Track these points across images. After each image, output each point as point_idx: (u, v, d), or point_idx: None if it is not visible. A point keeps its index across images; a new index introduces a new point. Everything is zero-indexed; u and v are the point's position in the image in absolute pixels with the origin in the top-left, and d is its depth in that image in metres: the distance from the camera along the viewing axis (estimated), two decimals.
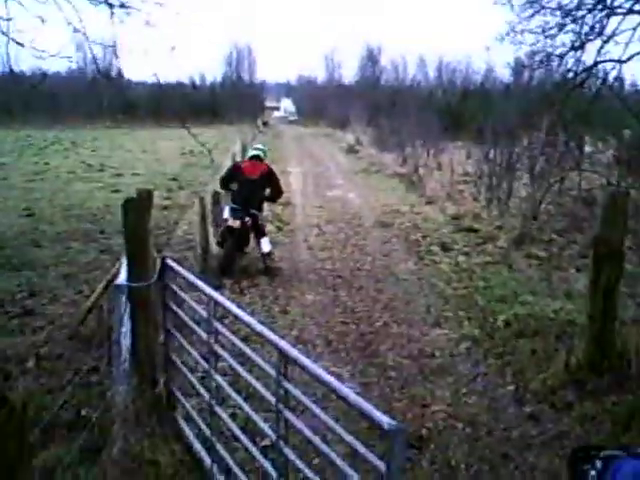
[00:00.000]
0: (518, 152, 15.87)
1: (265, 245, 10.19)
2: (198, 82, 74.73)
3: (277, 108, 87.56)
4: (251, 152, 11.10)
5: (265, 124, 61.97)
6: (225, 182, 10.58)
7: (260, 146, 11.48)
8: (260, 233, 10.28)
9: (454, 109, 39.22)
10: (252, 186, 10.13)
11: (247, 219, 9.97)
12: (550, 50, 12.22)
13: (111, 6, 7.81)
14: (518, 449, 4.92)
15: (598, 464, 2.39)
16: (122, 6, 7.86)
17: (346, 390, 2.72)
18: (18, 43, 6.94)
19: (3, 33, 6.81)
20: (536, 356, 6.56)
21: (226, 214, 10.26)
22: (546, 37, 12.01)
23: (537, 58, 12.91)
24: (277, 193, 10.60)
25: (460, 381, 6.18)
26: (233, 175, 10.47)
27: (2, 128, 49.79)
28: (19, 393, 1.89)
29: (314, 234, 13.20)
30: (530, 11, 12.00)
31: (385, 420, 2.42)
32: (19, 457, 2.05)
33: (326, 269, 10.42)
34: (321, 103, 69.99)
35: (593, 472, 2.41)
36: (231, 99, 69.75)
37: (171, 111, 51.14)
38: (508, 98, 23.67)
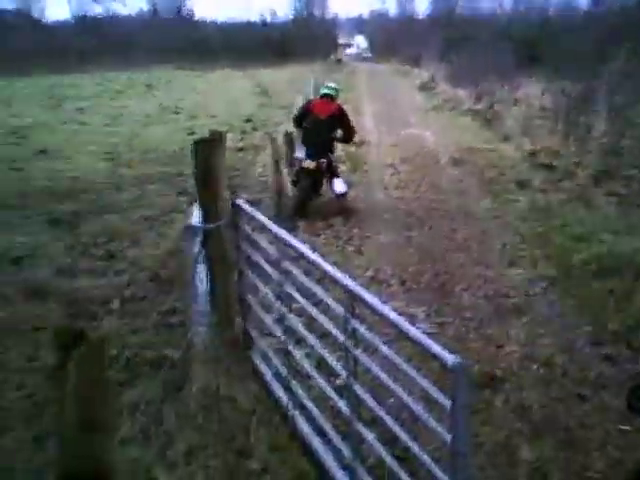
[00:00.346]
0: (597, 84, 15.37)
1: (339, 186, 10.15)
2: (269, 20, 74.22)
3: (350, 45, 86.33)
4: (322, 90, 10.91)
5: (338, 61, 61.31)
6: (298, 120, 10.57)
7: (332, 84, 11.30)
8: (334, 174, 10.28)
9: (531, 41, 38.01)
10: (322, 126, 10.05)
11: (322, 160, 9.98)
12: None
13: None
14: (594, 389, 4.92)
15: None
16: None
17: (411, 328, 2.75)
18: None
19: None
20: (614, 296, 6.48)
21: (300, 155, 10.27)
22: None
23: None
24: (349, 134, 10.48)
25: (535, 321, 6.16)
26: (304, 114, 10.44)
27: (78, 72, 50.73)
28: (101, 331, 2.02)
29: (388, 173, 13.12)
30: None
31: (449, 357, 2.46)
32: (99, 389, 2.17)
33: (400, 209, 10.39)
34: (394, 39, 68.71)
35: None
36: (303, 36, 69.11)
37: (243, 51, 51.11)
38: (587, 27, 22.85)
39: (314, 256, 3.70)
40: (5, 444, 4.20)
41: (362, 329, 3.23)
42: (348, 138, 10.58)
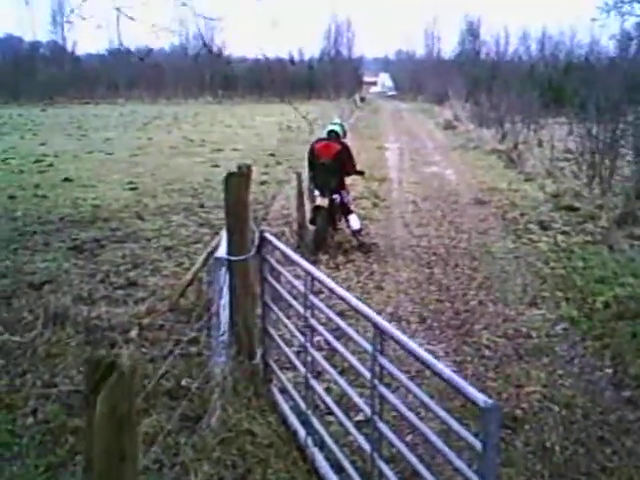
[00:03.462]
0: (623, 128, 15.33)
1: (354, 222, 10.20)
2: (297, 58, 75.06)
3: (375, 83, 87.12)
4: (328, 127, 10.87)
5: (362, 99, 61.71)
6: (310, 167, 10.67)
7: (337, 121, 11.37)
8: (347, 211, 10.32)
9: (556, 84, 38.14)
10: (328, 170, 10.10)
11: (335, 196, 10.02)
12: None
13: None
14: (615, 434, 4.83)
15: None
16: None
17: (442, 367, 2.73)
18: (130, 18, 7.21)
19: (117, 9, 7.09)
20: (636, 339, 6.40)
21: (316, 192, 10.32)
22: None
23: None
24: (348, 173, 10.49)
25: (556, 362, 6.08)
26: (312, 159, 10.48)
27: (108, 103, 51.56)
28: (127, 360, 2.05)
29: (410, 210, 13.12)
30: None
31: (481, 398, 2.43)
32: (127, 419, 2.18)
33: (421, 246, 10.36)
34: (419, 78, 69.39)
35: None
36: (329, 74, 69.86)
37: (270, 87, 51.73)
38: (613, 72, 22.88)
39: (342, 291, 3.70)
40: (16, 472, 4.18)
41: (391, 367, 3.20)
42: (347, 174, 10.56)
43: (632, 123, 14.90)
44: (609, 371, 5.88)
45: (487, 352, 6.33)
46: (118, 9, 7.11)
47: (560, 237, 10.76)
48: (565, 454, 4.55)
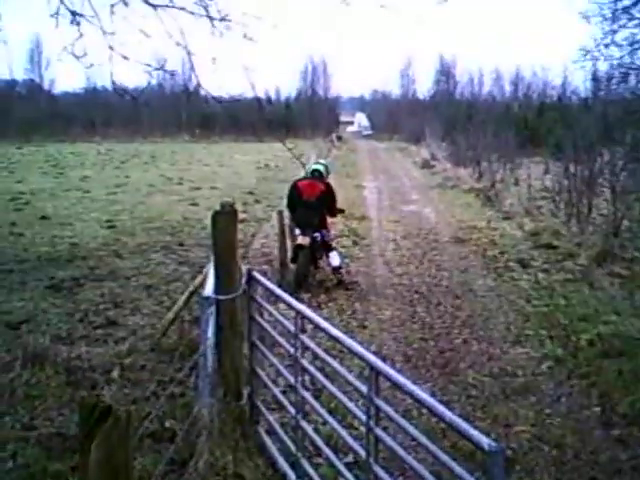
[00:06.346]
0: (599, 167, 15.49)
1: (334, 259, 10.17)
2: (273, 97, 75.59)
3: (351, 123, 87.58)
4: (312, 167, 11.01)
5: (339, 139, 62.00)
6: (290, 206, 10.65)
7: (322, 161, 11.43)
8: (328, 248, 10.29)
9: (531, 123, 38.67)
10: (311, 209, 10.12)
11: (316, 235, 10.00)
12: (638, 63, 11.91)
13: (211, 19, 8.05)
14: (607, 473, 4.78)
15: None
16: (222, 19, 8.10)
17: (443, 409, 2.68)
18: (124, 57, 7.27)
19: (110, 47, 7.13)
20: (623, 377, 6.37)
21: (297, 231, 10.31)
22: (632, 50, 11.68)
23: (622, 70, 12.58)
24: (332, 213, 10.63)
25: (544, 401, 6.04)
26: (293, 197, 10.47)
27: (85, 141, 51.54)
28: (120, 403, 2.00)
29: (390, 249, 13.12)
30: (616, 25, 11.61)
31: (485, 441, 2.38)
32: (123, 467, 2.11)
33: (403, 284, 10.33)
34: (395, 118, 70.04)
35: None
36: (306, 114, 70.34)
37: (247, 126, 51.97)
38: (587, 112, 23.20)
39: (336, 331, 3.64)
40: None
41: (388, 409, 3.14)
42: (331, 215, 10.67)
43: (609, 162, 15.05)
44: (597, 410, 5.84)
45: (474, 391, 6.28)
46: (111, 48, 7.16)
47: (540, 275, 10.78)
48: None
